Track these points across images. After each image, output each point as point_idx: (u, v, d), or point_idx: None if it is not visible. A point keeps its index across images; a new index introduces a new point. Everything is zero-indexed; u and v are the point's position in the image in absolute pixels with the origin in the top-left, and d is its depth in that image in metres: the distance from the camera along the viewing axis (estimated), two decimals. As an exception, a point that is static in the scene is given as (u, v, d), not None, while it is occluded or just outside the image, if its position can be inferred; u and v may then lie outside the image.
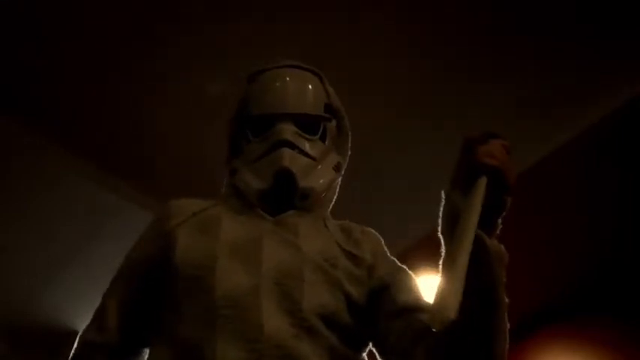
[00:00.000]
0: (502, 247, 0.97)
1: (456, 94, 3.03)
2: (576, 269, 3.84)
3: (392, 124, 3.17)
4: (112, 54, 2.88)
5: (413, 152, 3.27)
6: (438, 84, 3.01)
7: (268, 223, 1.22)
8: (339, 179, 1.38)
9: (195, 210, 1.25)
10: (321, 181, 1.30)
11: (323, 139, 1.34)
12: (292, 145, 1.26)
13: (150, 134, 3.23)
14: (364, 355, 1.19)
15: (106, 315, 1.20)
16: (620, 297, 3.82)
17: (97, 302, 1.24)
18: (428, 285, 1.22)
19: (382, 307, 1.16)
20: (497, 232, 0.98)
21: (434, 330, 0.83)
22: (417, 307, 1.13)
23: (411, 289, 1.18)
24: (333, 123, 1.39)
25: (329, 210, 1.36)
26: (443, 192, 0.99)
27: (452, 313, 0.81)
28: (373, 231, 1.32)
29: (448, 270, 0.87)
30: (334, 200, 1.37)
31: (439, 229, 0.99)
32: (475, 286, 0.89)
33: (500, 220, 0.97)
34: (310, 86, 1.37)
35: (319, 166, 1.31)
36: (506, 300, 0.98)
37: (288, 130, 1.28)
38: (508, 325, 1.00)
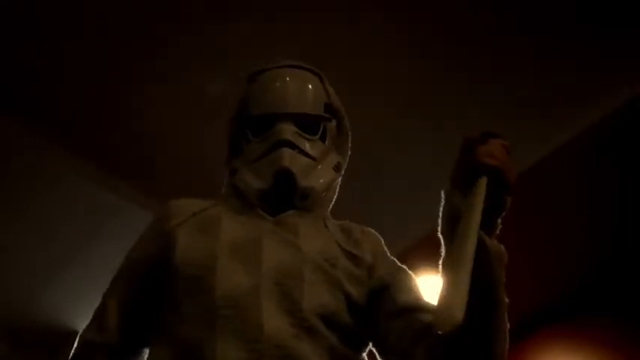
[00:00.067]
0: (502, 247, 0.97)
1: (456, 94, 3.03)
2: (576, 269, 3.84)
3: (392, 124, 3.17)
4: (112, 54, 2.88)
5: (413, 152, 3.27)
6: (438, 84, 3.01)
7: (268, 223, 1.22)
8: (339, 179, 1.38)
9: (195, 210, 1.25)
10: (321, 180, 1.30)
11: (323, 139, 1.34)
12: (292, 145, 1.26)
13: (150, 134, 3.23)
14: (364, 355, 1.19)
15: (106, 315, 1.20)
16: (620, 297, 3.82)
17: (97, 302, 1.24)
18: (428, 285, 1.22)
19: (382, 307, 1.16)
20: (497, 232, 0.98)
21: (440, 332, 0.83)
22: (417, 307, 1.13)
23: (410, 289, 1.18)
24: (333, 123, 1.39)
25: (329, 210, 1.36)
26: (442, 192, 0.99)
27: (459, 315, 0.81)
28: (373, 231, 1.32)
29: (452, 271, 0.87)
30: (334, 200, 1.37)
31: (439, 229, 0.99)
32: (475, 286, 0.89)
33: (500, 220, 0.97)
34: (310, 86, 1.37)
35: (319, 166, 1.31)
36: (506, 300, 0.98)
37: (288, 130, 1.28)
38: (508, 325, 1.00)
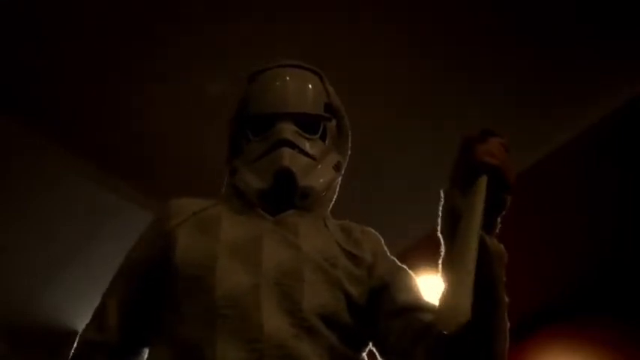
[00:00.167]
0: (502, 246, 0.97)
1: (456, 94, 3.03)
2: (576, 269, 3.84)
3: (392, 124, 3.17)
4: (112, 54, 2.88)
5: (413, 152, 3.27)
6: (438, 84, 3.01)
7: (268, 222, 1.22)
8: (339, 179, 1.38)
9: (196, 209, 1.24)
10: (321, 180, 1.30)
11: (323, 138, 1.34)
12: (292, 145, 1.26)
13: (150, 134, 3.23)
14: (364, 354, 1.19)
15: (105, 314, 1.20)
16: (620, 297, 3.82)
17: (97, 302, 1.24)
18: (428, 285, 1.22)
19: (382, 306, 1.16)
20: (497, 231, 0.98)
21: (445, 332, 0.83)
22: (417, 307, 1.13)
23: (410, 289, 1.18)
24: (333, 122, 1.39)
25: (329, 209, 1.36)
26: (442, 191, 0.99)
27: (465, 315, 0.81)
28: (373, 231, 1.32)
29: (455, 271, 0.87)
30: (334, 200, 1.37)
31: (438, 228, 0.99)
32: (476, 286, 0.89)
33: (499, 219, 0.97)
34: (310, 85, 1.37)
35: (319, 166, 1.30)
36: (506, 299, 0.98)
37: (288, 130, 1.28)
38: (508, 325, 1.00)
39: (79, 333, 1.22)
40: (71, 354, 1.20)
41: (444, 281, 0.94)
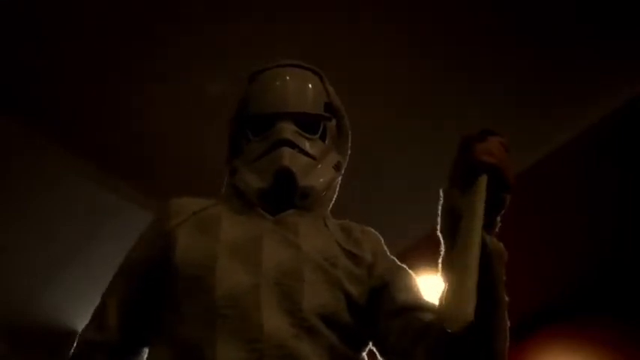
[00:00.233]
0: (501, 245, 0.97)
1: (456, 94, 3.03)
2: (576, 269, 3.84)
3: (392, 124, 3.17)
4: (112, 54, 2.88)
5: (413, 152, 3.27)
6: (438, 84, 3.01)
7: (268, 222, 1.21)
8: (339, 178, 1.38)
9: (196, 209, 1.24)
10: (321, 180, 1.30)
11: (323, 138, 1.34)
12: (292, 144, 1.26)
13: (150, 134, 3.23)
14: (364, 354, 1.19)
15: (105, 314, 1.20)
16: (620, 297, 3.82)
17: (96, 302, 1.24)
18: (428, 285, 1.22)
19: (382, 306, 1.16)
20: (496, 230, 0.98)
21: (450, 331, 0.83)
22: (417, 306, 1.13)
23: (410, 288, 1.18)
24: (333, 122, 1.39)
25: (329, 209, 1.36)
26: (441, 190, 0.99)
27: (470, 314, 0.81)
28: (373, 230, 1.32)
29: (458, 270, 0.87)
30: (334, 200, 1.37)
31: (438, 228, 0.99)
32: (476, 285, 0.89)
33: (499, 219, 0.97)
34: (310, 85, 1.37)
35: (319, 165, 1.30)
36: (506, 299, 0.98)
37: (288, 129, 1.28)
38: (508, 324, 1.00)
39: (79, 333, 1.22)
40: (71, 354, 1.20)
41: (445, 281, 0.94)
